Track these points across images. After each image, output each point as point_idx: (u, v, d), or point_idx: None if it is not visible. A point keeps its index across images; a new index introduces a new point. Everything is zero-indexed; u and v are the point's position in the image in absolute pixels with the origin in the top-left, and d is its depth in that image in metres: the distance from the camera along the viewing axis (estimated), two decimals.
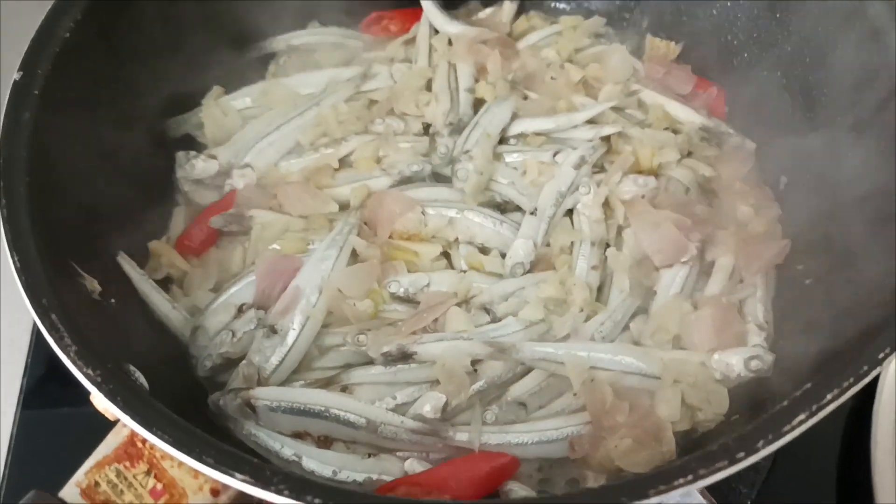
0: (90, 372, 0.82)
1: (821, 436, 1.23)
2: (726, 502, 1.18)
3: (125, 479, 0.79)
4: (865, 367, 0.81)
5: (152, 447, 0.81)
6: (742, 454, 0.77)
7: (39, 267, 0.91)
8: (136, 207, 1.21)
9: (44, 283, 0.89)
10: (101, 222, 1.12)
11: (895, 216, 1.01)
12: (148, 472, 0.80)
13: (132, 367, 0.90)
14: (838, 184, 1.15)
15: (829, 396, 0.80)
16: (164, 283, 1.19)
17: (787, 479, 1.22)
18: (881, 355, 0.81)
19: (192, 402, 1.08)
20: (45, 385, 1.33)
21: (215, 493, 0.80)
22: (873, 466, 1.13)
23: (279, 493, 0.74)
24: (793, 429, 0.78)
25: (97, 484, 0.79)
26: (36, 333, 1.37)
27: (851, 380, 0.81)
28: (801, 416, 0.79)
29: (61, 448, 1.19)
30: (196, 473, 0.80)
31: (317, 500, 0.74)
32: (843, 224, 1.12)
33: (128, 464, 0.80)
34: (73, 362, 0.83)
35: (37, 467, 1.21)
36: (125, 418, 0.79)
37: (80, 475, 0.80)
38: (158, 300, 1.14)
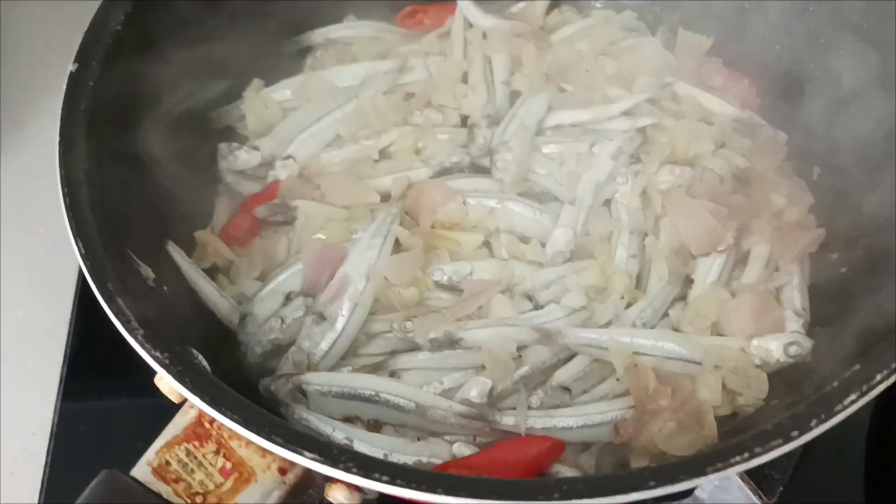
0: (158, 354, 0.84)
1: (850, 423, 1.27)
2: (758, 487, 1.21)
3: (195, 458, 0.82)
4: None
5: (220, 427, 0.83)
6: (796, 433, 0.79)
7: (103, 253, 0.93)
8: (181, 198, 1.23)
9: (108, 269, 0.91)
10: (150, 212, 1.14)
11: None
12: (217, 452, 0.82)
13: (195, 351, 0.92)
14: (871, 175, 1.17)
15: (878, 377, 0.82)
16: (211, 273, 1.21)
17: (818, 465, 1.25)
18: None
19: (241, 388, 1.10)
20: (85, 374, 1.35)
21: (283, 471, 0.82)
22: None
23: (347, 470, 0.77)
24: (844, 408, 0.81)
25: (168, 463, 0.81)
26: (75, 321, 1.39)
27: None
28: (853, 396, 0.81)
29: (105, 434, 1.25)
30: (264, 452, 0.82)
31: (384, 478, 0.76)
32: (875, 215, 1.14)
33: (197, 443, 0.83)
34: (142, 345, 0.85)
35: (81, 454, 1.24)
36: (194, 399, 0.82)
37: (150, 454, 0.82)
38: (207, 288, 1.17)
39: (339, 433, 1.04)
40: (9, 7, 1.69)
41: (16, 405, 1.30)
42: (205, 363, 0.92)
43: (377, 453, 1.03)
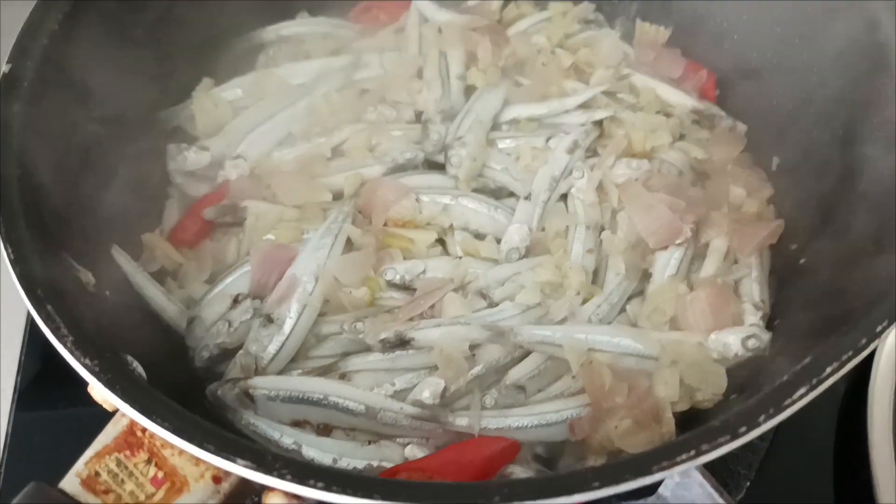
0: (88, 362, 0.81)
1: (816, 416, 1.26)
2: (724, 483, 1.19)
3: (126, 468, 0.79)
4: (864, 340, 0.81)
5: (152, 436, 0.80)
6: (744, 429, 0.77)
7: (34, 258, 0.90)
8: (128, 200, 1.19)
9: (39, 275, 0.89)
10: (93, 215, 1.11)
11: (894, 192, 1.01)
12: (149, 461, 0.79)
13: (130, 358, 0.89)
14: (831, 163, 1.16)
15: (828, 370, 0.80)
16: (159, 276, 1.18)
17: (784, 460, 1.23)
18: (879, 328, 0.82)
19: (189, 393, 1.07)
20: (40, 383, 1.32)
21: (217, 480, 0.80)
22: (870, 445, 1.13)
23: (282, 477, 0.74)
24: (793, 402, 0.79)
25: (97, 474, 0.78)
26: (29, 330, 1.36)
27: (850, 353, 0.81)
28: (802, 390, 0.79)
29: (58, 444, 1.21)
30: (197, 461, 0.79)
31: (319, 484, 0.74)
32: (835, 204, 1.13)
33: (128, 453, 0.80)
34: (71, 352, 0.82)
35: (34, 463, 1.20)
36: (125, 407, 0.79)
37: (79, 465, 0.79)
38: (153, 292, 1.14)
39: (287, 438, 1.01)
40: None
41: None
42: (140, 370, 0.89)
43: (326, 458, 1.00)
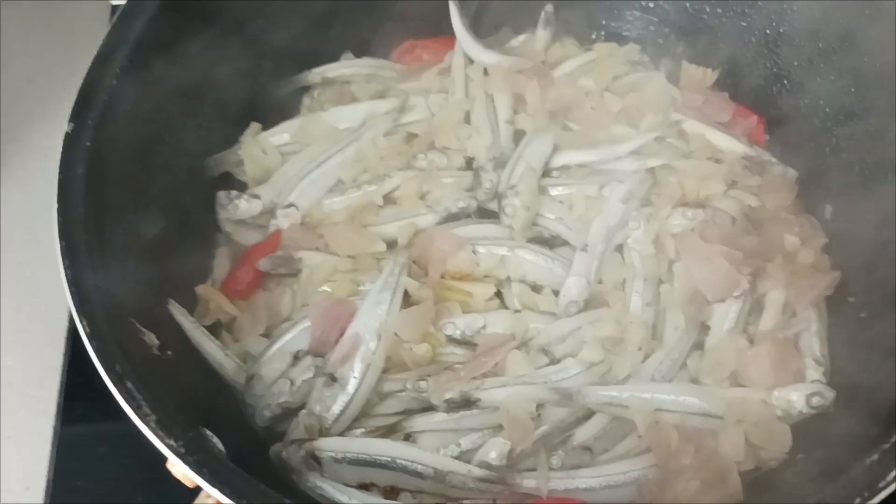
0: (172, 443, 0.81)
1: None
2: None
3: None
4: None
5: None
6: None
7: (108, 331, 0.89)
8: (179, 252, 1.19)
9: (115, 349, 0.88)
10: (149, 271, 1.10)
11: None
12: None
13: (208, 432, 0.88)
14: (886, 213, 1.16)
15: None
16: (213, 329, 1.17)
17: None
18: None
19: (251, 452, 1.07)
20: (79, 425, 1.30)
21: None
22: None
23: None
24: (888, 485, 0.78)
25: None
26: (66, 371, 1.33)
27: None
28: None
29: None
30: None
31: None
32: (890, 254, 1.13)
33: None
34: (155, 433, 0.81)
35: None
36: (212, 490, 0.78)
37: None
38: (211, 348, 1.13)
39: (354, 501, 1.01)
40: None
41: (8, 458, 1.24)
42: (219, 445, 0.88)
43: None
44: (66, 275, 0.91)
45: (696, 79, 1.40)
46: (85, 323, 0.88)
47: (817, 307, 1.18)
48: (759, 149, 1.33)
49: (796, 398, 1.08)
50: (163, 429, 0.81)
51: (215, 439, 0.88)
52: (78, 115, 1.03)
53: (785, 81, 1.34)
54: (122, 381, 0.84)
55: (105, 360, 0.85)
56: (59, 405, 1.30)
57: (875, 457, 0.81)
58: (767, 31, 1.33)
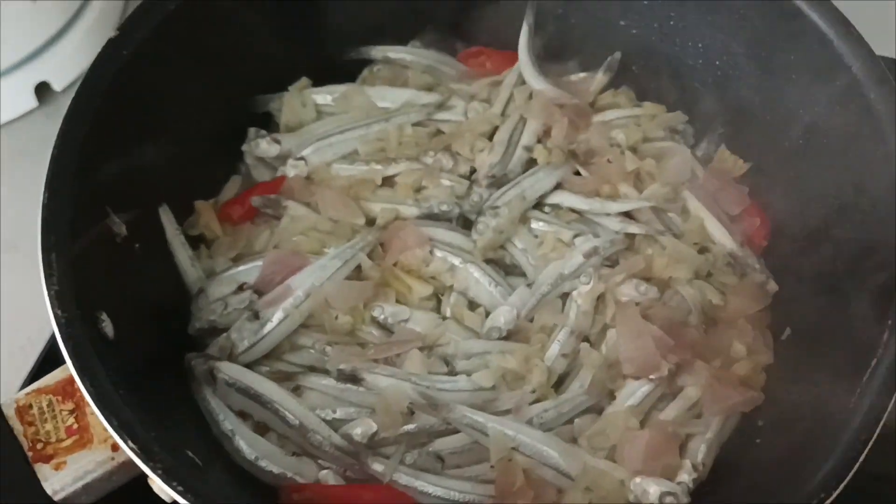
0: (58, 312, 0.94)
1: None
2: None
3: (53, 410, 0.93)
4: None
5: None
6: None
7: (66, 208, 1.03)
8: (195, 165, 1.34)
9: (62, 224, 1.02)
10: (156, 174, 1.26)
11: None
12: (72, 412, 0.94)
13: (104, 317, 1.02)
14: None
15: None
16: (195, 241, 1.32)
17: None
18: None
19: (181, 352, 1.22)
20: None
21: (115, 448, 0.93)
22: None
23: (154, 470, 0.87)
24: None
25: (31, 406, 0.94)
26: None
27: None
28: None
29: None
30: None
31: (179, 489, 0.86)
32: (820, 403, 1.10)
33: (60, 398, 0.94)
34: (50, 300, 0.95)
35: None
36: (67, 361, 0.93)
37: (21, 394, 0.94)
38: (182, 254, 1.27)
39: (227, 423, 1.14)
40: None
41: None
42: (109, 329, 1.02)
43: (251, 454, 1.12)
44: (56, 142, 1.07)
45: (726, 165, 1.39)
46: (47, 196, 1.04)
47: (725, 418, 1.18)
48: (748, 251, 1.32)
49: (653, 491, 1.10)
50: (59, 299, 0.97)
51: (107, 322, 1.02)
52: (126, 27, 1.19)
53: (800, 192, 1.30)
54: (49, 251, 1.00)
55: (45, 230, 1.01)
56: None
57: None
58: (800, 142, 1.30)
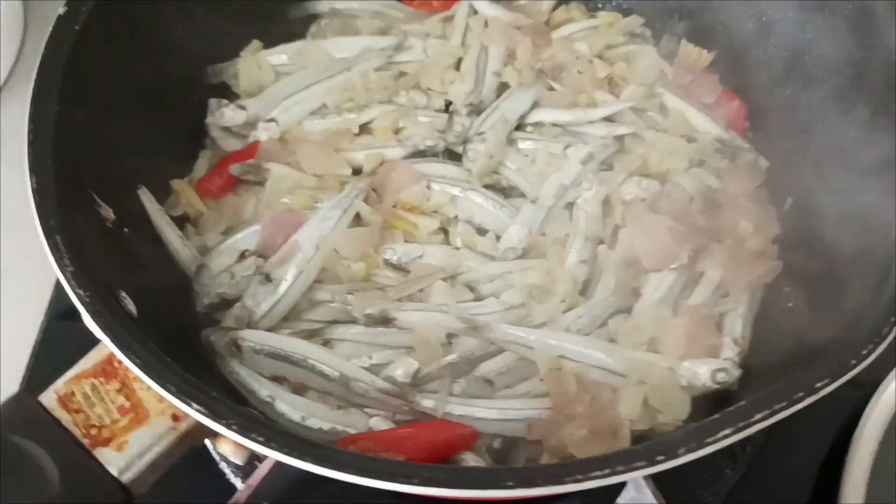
0: (80, 292, 0.89)
1: (796, 447, 1.27)
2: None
3: (98, 393, 0.87)
4: (801, 394, 0.84)
5: (126, 369, 0.88)
6: (662, 457, 0.80)
7: (54, 190, 0.97)
8: (164, 146, 1.28)
9: (54, 206, 0.96)
10: (128, 156, 1.19)
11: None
12: (119, 391, 0.87)
13: (124, 294, 0.97)
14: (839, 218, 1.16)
15: (757, 416, 0.82)
16: (180, 221, 1.26)
17: (756, 490, 1.26)
18: (818, 384, 0.84)
19: (189, 334, 1.16)
20: None
21: (176, 418, 0.87)
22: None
23: (228, 427, 0.81)
24: (716, 441, 0.81)
25: (73, 394, 0.87)
26: None
27: (784, 403, 0.83)
28: (727, 431, 0.81)
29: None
30: (161, 399, 0.85)
31: (259, 439, 0.81)
32: (835, 257, 1.13)
33: (103, 380, 0.88)
34: (68, 282, 0.90)
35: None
36: (105, 339, 0.87)
37: (59, 383, 0.88)
38: (171, 234, 1.22)
39: (264, 391, 1.09)
40: None
41: None
42: (131, 308, 0.96)
43: (296, 415, 1.07)
44: (28, 137, 1.00)
45: (691, 58, 1.41)
46: (34, 180, 0.97)
47: (751, 292, 1.20)
48: (734, 134, 1.34)
49: (703, 371, 1.10)
50: (75, 279, 0.90)
51: (129, 301, 0.96)
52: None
53: (773, 71, 1.33)
54: (52, 233, 0.93)
55: (42, 211, 0.94)
56: None
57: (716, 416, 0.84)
58: (763, 19, 1.33)
